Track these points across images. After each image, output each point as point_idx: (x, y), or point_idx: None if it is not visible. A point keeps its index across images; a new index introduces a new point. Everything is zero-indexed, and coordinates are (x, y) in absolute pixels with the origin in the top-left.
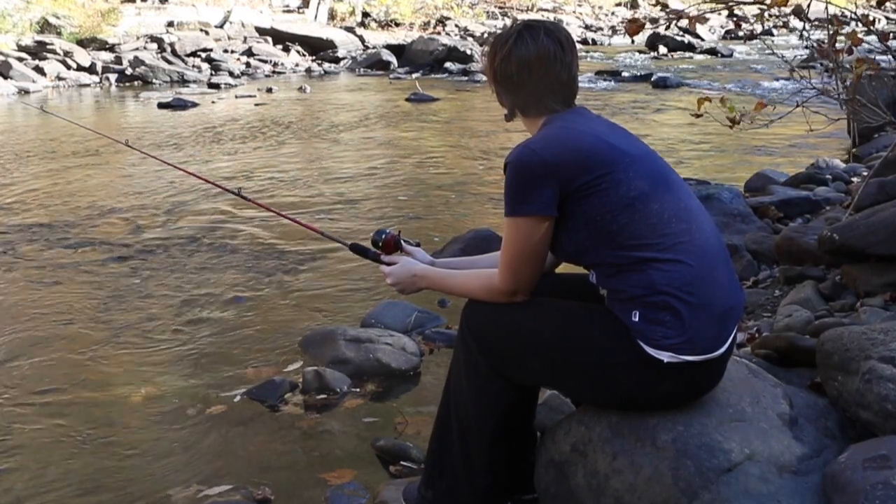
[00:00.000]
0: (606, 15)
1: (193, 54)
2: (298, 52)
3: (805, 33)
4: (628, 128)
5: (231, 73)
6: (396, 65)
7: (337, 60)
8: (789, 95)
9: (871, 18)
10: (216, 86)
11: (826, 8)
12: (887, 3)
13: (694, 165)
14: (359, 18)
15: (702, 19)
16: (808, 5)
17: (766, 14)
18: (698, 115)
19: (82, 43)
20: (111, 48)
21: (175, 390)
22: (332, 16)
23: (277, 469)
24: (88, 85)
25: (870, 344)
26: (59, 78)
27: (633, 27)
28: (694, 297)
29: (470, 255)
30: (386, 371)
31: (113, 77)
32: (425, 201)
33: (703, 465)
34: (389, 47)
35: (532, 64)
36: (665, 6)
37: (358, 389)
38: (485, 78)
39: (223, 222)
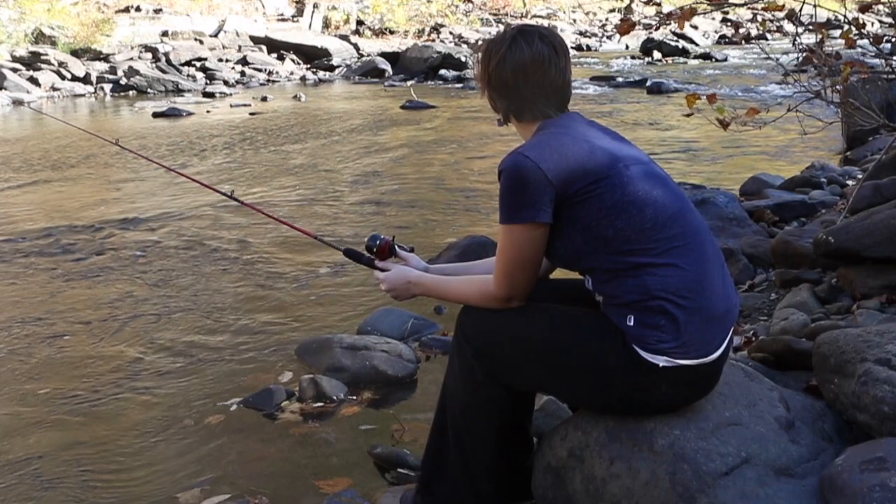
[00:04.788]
0: (601, 21)
1: (188, 63)
2: (293, 60)
3: (797, 37)
4: (623, 133)
5: (226, 82)
6: (391, 72)
7: (332, 68)
8: (783, 99)
9: (861, 22)
10: (211, 95)
11: (808, 11)
12: (876, 7)
13: (689, 170)
14: (353, 26)
15: (689, 15)
16: (801, 9)
17: (758, 17)
18: (689, 115)
19: (77, 53)
20: (106, 58)
21: (171, 399)
22: (326, 24)
23: (274, 477)
24: (83, 95)
25: (865, 346)
26: (54, 88)
27: (624, 27)
28: (689, 301)
29: (465, 262)
30: (382, 378)
31: (108, 87)
32: (420, 207)
33: (701, 469)
34: (384, 55)
35: (527, 68)
36: (658, 6)
37: (354, 397)
38: (479, 85)
39: (217, 228)
